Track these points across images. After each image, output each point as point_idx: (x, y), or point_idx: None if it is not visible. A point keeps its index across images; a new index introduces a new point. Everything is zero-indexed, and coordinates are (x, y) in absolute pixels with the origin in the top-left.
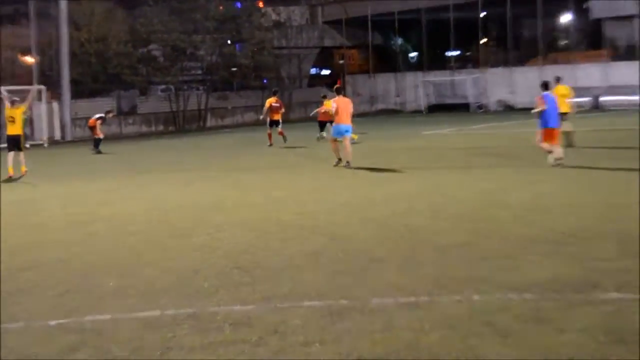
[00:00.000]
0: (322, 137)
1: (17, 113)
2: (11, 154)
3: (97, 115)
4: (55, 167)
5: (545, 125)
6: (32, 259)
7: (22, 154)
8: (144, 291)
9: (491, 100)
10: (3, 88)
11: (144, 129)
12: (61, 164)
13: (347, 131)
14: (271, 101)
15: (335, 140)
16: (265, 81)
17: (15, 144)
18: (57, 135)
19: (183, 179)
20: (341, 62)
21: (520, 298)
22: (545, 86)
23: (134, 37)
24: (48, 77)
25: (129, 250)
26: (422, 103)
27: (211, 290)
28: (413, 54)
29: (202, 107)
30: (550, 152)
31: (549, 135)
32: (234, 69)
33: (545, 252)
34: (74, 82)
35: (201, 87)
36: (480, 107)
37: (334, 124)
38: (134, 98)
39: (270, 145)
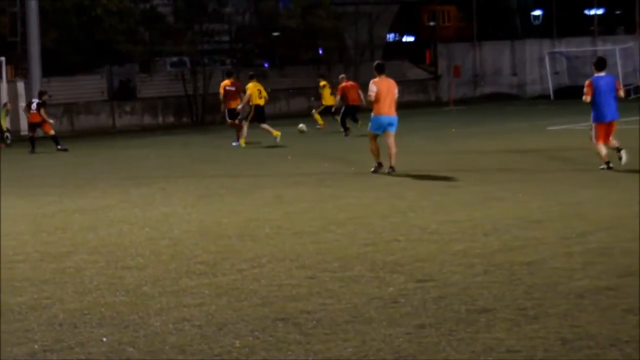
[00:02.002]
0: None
1: None
2: None
3: (36, 102)
4: (20, 175)
5: (598, 118)
6: None
7: None
8: (150, 351)
9: None
10: None
11: (147, 120)
12: (28, 169)
13: (390, 124)
14: (225, 84)
15: (375, 136)
16: (320, 51)
17: None
18: (24, 127)
19: (200, 193)
20: (431, 24)
21: None
22: (600, 65)
23: None
24: (9, 46)
25: (128, 293)
26: (550, 85)
27: (245, 353)
28: (537, 13)
29: None
30: (607, 162)
31: (604, 131)
32: (276, 35)
33: None
34: (46, 53)
35: (228, 61)
36: (631, 91)
37: (373, 114)
38: (131, 76)
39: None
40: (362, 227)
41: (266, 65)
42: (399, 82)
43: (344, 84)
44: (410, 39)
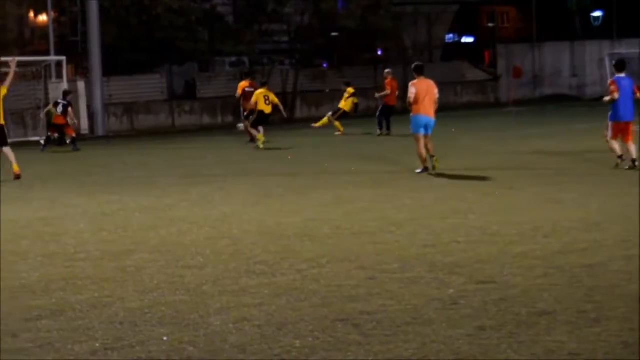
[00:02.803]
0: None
1: (1, 94)
2: (7, 150)
3: (62, 103)
4: (80, 174)
5: (615, 118)
6: (52, 302)
7: (8, 151)
8: (210, 350)
9: None
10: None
11: (206, 119)
12: (89, 168)
13: (427, 125)
14: (244, 85)
15: (420, 137)
16: (380, 52)
17: (3, 136)
18: (84, 127)
19: (259, 193)
20: (490, 25)
21: None
22: (620, 66)
23: None
24: (70, 45)
25: (188, 292)
26: None
27: (305, 353)
28: (597, 14)
29: (289, 89)
30: (620, 156)
31: (620, 130)
32: (335, 35)
33: None
34: (106, 52)
35: (287, 61)
36: None
37: (412, 114)
38: (191, 75)
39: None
40: (421, 228)
41: (325, 65)
42: (458, 84)
43: (389, 79)
44: (470, 39)
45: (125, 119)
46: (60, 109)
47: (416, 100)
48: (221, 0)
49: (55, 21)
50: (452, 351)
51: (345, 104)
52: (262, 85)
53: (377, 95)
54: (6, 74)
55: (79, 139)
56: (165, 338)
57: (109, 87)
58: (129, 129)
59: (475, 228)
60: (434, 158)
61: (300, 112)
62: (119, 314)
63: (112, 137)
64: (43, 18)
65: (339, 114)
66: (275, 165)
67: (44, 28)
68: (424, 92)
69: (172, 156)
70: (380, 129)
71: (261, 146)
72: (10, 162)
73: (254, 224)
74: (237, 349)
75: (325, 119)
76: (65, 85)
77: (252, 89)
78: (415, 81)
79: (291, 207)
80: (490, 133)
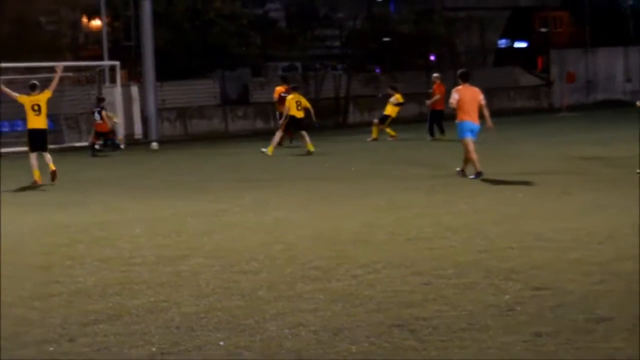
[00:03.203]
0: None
1: (43, 100)
2: (35, 155)
3: (97, 110)
4: (134, 178)
5: None
6: (109, 306)
7: (48, 156)
8: (266, 355)
9: None
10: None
11: (259, 124)
12: (142, 173)
13: (471, 131)
14: (280, 90)
15: (469, 142)
16: (433, 57)
17: (41, 140)
18: (138, 132)
19: (312, 198)
20: (543, 30)
21: None
22: None
23: None
24: (123, 50)
25: (244, 298)
26: None
27: (361, 358)
28: None
29: (342, 94)
30: None
31: None
32: (387, 40)
33: None
34: (160, 56)
35: (339, 66)
36: None
37: (457, 121)
38: (244, 81)
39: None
40: (476, 234)
41: (378, 70)
42: (511, 89)
43: (437, 84)
44: (522, 44)
45: (179, 124)
46: (97, 116)
47: (460, 107)
48: (274, 5)
49: (109, 26)
50: (508, 357)
51: (392, 110)
52: (293, 89)
53: (427, 102)
54: (61, 79)
55: (132, 143)
56: (221, 343)
57: (162, 92)
58: (182, 134)
59: (530, 233)
60: (472, 164)
61: (352, 117)
62: (175, 319)
63: (166, 142)
64: (96, 23)
65: (388, 121)
66: (328, 170)
67: (97, 33)
68: (467, 98)
69: (226, 161)
70: (432, 134)
71: (270, 153)
72: (47, 165)
73: (308, 229)
74: (293, 354)
75: (375, 131)
76: (118, 90)
77: (288, 94)
78: (459, 87)
79: (345, 212)
80: (543, 138)
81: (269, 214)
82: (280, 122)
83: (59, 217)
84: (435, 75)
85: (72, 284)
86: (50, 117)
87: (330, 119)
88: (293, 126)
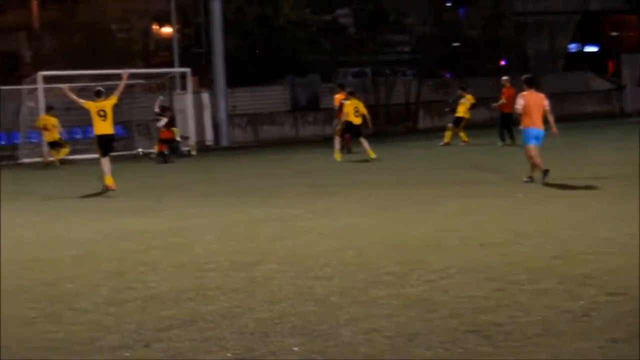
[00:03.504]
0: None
1: (108, 105)
2: (106, 160)
3: (162, 119)
4: (206, 185)
5: None
6: (183, 312)
7: (106, 161)
8: None
9: None
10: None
11: (329, 130)
12: (214, 179)
13: (537, 137)
14: (340, 97)
15: (533, 148)
16: (503, 62)
17: (109, 145)
18: (209, 138)
19: (384, 204)
20: (614, 34)
21: None
22: None
23: None
24: (194, 56)
25: (317, 303)
26: None
27: None
28: None
29: (412, 99)
30: None
31: None
32: (457, 45)
33: None
34: (230, 63)
35: (409, 71)
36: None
37: (521, 126)
38: (314, 86)
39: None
40: (549, 239)
41: (448, 75)
42: (582, 93)
43: (507, 87)
44: (593, 49)
45: (250, 130)
46: (161, 124)
47: (525, 112)
48: (343, 11)
49: (179, 33)
50: None
51: (465, 112)
52: (350, 94)
53: (494, 105)
54: (132, 86)
55: (204, 149)
56: (295, 349)
57: (233, 98)
58: (253, 140)
59: (603, 239)
60: (538, 169)
61: (422, 122)
62: (249, 325)
63: (237, 148)
64: (167, 30)
65: (462, 124)
66: (398, 176)
67: (168, 40)
68: (533, 104)
69: (297, 167)
70: (502, 140)
71: (339, 159)
72: (103, 173)
73: (380, 234)
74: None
75: (448, 135)
76: (190, 96)
77: (346, 101)
78: (525, 93)
79: (417, 218)
80: (614, 143)
81: (341, 219)
82: (336, 127)
83: (133, 223)
84: (504, 78)
85: (146, 290)
86: (121, 123)
87: (400, 125)
88: (350, 132)
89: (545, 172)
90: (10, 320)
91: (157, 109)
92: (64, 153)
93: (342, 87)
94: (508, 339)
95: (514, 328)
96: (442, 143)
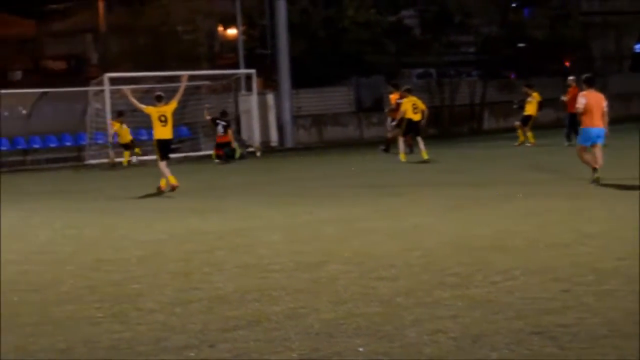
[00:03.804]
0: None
1: (169, 110)
2: (165, 163)
3: (222, 123)
4: (270, 185)
5: None
6: (248, 312)
7: (164, 166)
8: None
9: None
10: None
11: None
12: (279, 180)
13: (598, 136)
14: (395, 97)
15: (584, 149)
16: (568, 63)
17: (168, 149)
18: (273, 139)
19: (448, 204)
20: None
21: None
22: None
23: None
24: (259, 58)
25: (382, 304)
26: None
27: None
28: None
29: (477, 100)
30: None
31: None
32: (522, 45)
33: None
34: (295, 64)
35: (474, 72)
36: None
37: (581, 127)
38: (378, 87)
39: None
40: (615, 240)
41: (513, 76)
42: None
43: (573, 86)
44: None
45: (314, 131)
46: (220, 129)
47: (586, 112)
48: (408, 12)
49: (245, 34)
50: None
51: (532, 109)
52: (407, 91)
53: (563, 98)
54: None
55: (268, 150)
56: (360, 349)
57: (298, 100)
58: (317, 141)
59: None
60: (597, 171)
61: (487, 123)
62: (314, 325)
63: (301, 149)
64: (232, 32)
65: (530, 123)
66: (463, 177)
67: (233, 41)
68: (593, 103)
69: (361, 167)
70: (569, 140)
71: (403, 160)
72: (163, 175)
73: (445, 235)
74: None
75: (521, 134)
76: (254, 98)
77: (402, 100)
78: (585, 92)
79: (482, 218)
80: None
81: (407, 220)
82: (393, 125)
83: (198, 224)
84: (570, 78)
85: (211, 290)
86: (187, 125)
87: (464, 126)
88: (410, 129)
89: (595, 170)
90: (77, 320)
91: (208, 117)
92: (128, 155)
93: (396, 87)
94: (574, 341)
95: (580, 329)
96: (517, 143)
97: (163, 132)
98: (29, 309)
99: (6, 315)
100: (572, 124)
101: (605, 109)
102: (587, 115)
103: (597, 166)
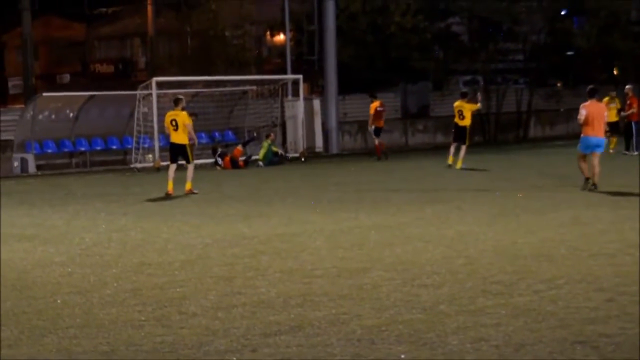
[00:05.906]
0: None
1: (180, 117)
2: (173, 167)
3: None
4: (315, 191)
5: None
6: (291, 318)
7: (191, 168)
8: None
9: None
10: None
11: (439, 138)
12: (323, 185)
13: (597, 145)
14: (375, 105)
15: (583, 156)
16: (616, 72)
17: (178, 153)
18: (318, 145)
19: (494, 212)
20: None
21: None
22: None
23: (427, 6)
24: (306, 63)
25: (425, 311)
26: None
27: None
28: None
29: (523, 108)
30: None
31: None
32: (570, 54)
33: None
34: (342, 70)
35: (521, 80)
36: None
37: (582, 135)
38: (425, 94)
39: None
40: None
41: (560, 85)
42: None
43: (631, 95)
44: None
45: (359, 137)
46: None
47: (586, 122)
48: (456, 19)
49: (292, 40)
50: None
51: (610, 114)
52: (462, 96)
53: (622, 113)
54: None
55: (313, 156)
56: (402, 356)
57: (344, 105)
58: (362, 147)
59: None
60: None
61: (534, 131)
62: (356, 331)
63: (346, 155)
64: (280, 37)
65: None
66: (509, 184)
67: (280, 47)
68: (594, 114)
69: (406, 174)
70: (637, 149)
71: (450, 163)
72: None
73: (489, 243)
74: None
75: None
76: (301, 103)
77: (382, 109)
78: (586, 103)
79: (527, 227)
80: None
81: (451, 227)
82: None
83: (242, 229)
84: (628, 87)
85: (254, 295)
86: (232, 129)
87: (510, 133)
88: (455, 135)
89: (587, 180)
90: (120, 323)
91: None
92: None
93: (374, 97)
94: (617, 350)
95: (623, 339)
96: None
97: (173, 136)
98: (73, 311)
99: (49, 317)
100: (628, 133)
101: (607, 119)
102: (588, 125)
103: (589, 176)
